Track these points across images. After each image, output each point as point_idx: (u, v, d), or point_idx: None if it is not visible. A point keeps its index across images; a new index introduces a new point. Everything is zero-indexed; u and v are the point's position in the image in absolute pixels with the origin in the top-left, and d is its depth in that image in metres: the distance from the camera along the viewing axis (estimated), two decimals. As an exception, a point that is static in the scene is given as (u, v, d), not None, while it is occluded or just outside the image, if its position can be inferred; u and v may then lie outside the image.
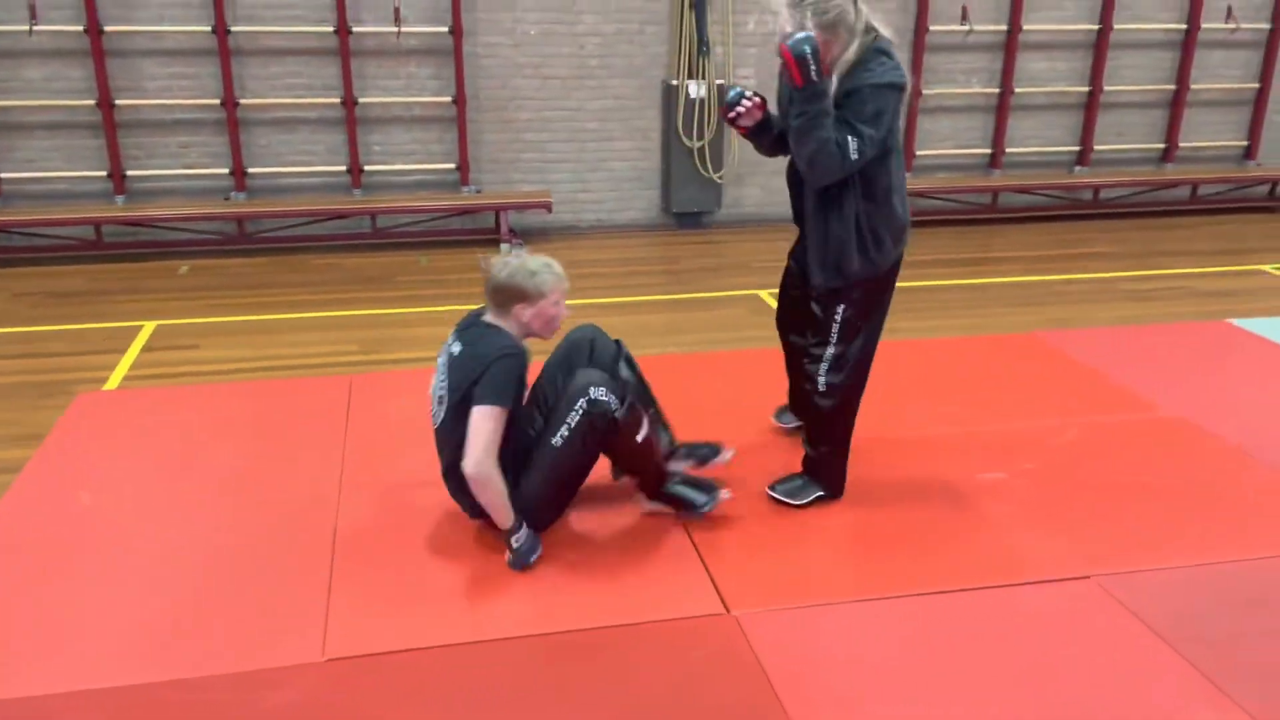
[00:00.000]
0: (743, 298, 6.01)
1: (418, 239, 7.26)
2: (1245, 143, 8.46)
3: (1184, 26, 7.98)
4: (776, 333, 3.64)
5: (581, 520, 3.28)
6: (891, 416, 4.05)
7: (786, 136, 3.09)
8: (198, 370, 4.83)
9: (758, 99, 3.17)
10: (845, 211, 3.04)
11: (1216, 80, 8.23)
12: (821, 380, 3.22)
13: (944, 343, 5.11)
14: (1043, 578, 2.99)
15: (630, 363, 3.32)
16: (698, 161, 7.48)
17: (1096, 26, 7.84)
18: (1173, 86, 8.15)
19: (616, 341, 3.33)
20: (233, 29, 6.70)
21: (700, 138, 7.43)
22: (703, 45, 7.27)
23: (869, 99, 2.89)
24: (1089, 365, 4.64)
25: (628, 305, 5.88)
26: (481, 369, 2.90)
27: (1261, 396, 4.37)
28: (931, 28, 7.58)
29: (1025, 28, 7.71)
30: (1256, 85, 8.27)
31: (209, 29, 6.66)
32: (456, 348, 3.02)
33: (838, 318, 3.15)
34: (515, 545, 2.98)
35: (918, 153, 7.89)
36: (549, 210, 7.23)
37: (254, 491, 3.48)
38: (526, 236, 7.28)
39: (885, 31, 3.00)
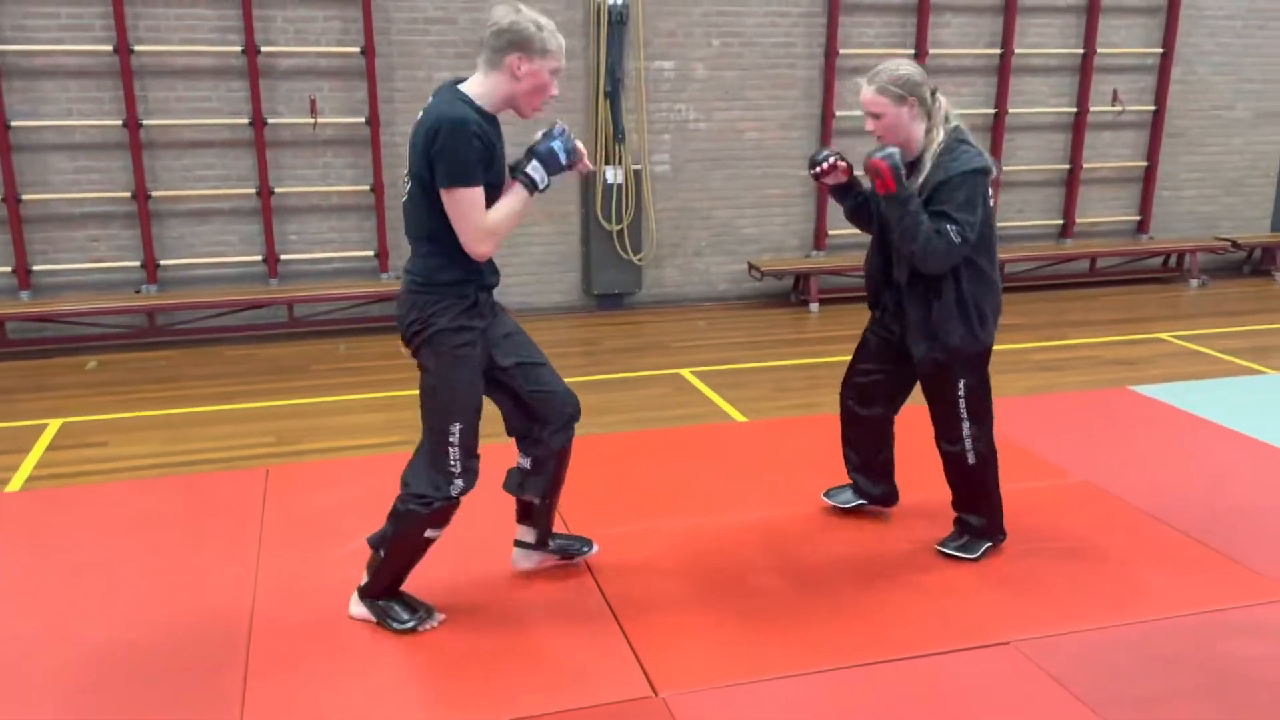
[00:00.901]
0: (666, 377, 6.06)
1: (336, 327, 7.20)
2: (1138, 217, 8.89)
3: (1074, 109, 8.43)
4: (841, 400, 3.80)
5: (497, 599, 3.23)
6: (810, 490, 4.10)
7: (867, 207, 3.45)
8: (107, 468, 4.68)
9: (843, 163, 3.37)
10: (949, 292, 3.25)
11: (1107, 159, 8.68)
12: (971, 455, 3.45)
13: (862, 416, 5.19)
14: (965, 645, 3.03)
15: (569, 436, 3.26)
16: (617, 244, 7.59)
17: (992, 110, 8.24)
18: (1067, 166, 8.56)
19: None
20: (145, 122, 6.66)
21: (619, 221, 7.55)
22: (618, 133, 7.44)
23: (960, 186, 3.13)
24: (1002, 434, 4.73)
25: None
26: (427, 141, 2.75)
27: (1163, 460, 4.53)
28: (837, 113, 7.88)
29: (926, 112, 8.05)
30: (1145, 163, 8.73)
31: (120, 123, 6.61)
32: (421, 113, 2.87)
33: (961, 394, 3.37)
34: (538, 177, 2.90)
35: (830, 232, 8.12)
36: (470, 296, 7.22)
37: (165, 592, 3.35)
38: (448, 322, 7.26)
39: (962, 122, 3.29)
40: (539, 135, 2.96)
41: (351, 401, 5.58)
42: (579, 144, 2.98)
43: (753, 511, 3.94)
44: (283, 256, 7.12)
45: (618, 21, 7.25)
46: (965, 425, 3.42)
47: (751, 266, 7.84)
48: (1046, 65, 8.32)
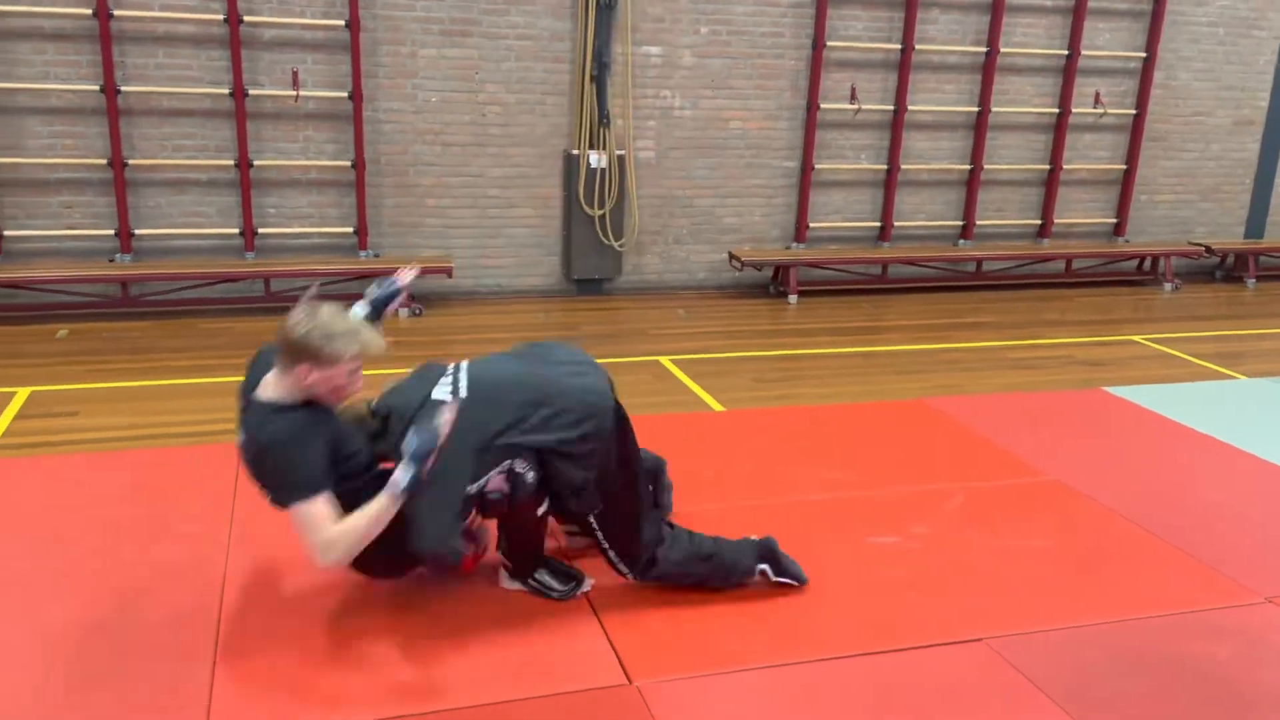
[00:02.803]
0: (644, 364, 6.05)
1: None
2: (1115, 220, 8.97)
3: (1056, 110, 8.48)
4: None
5: (476, 588, 3.22)
6: (784, 482, 4.12)
7: None
8: (76, 439, 4.61)
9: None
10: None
11: (1087, 161, 8.75)
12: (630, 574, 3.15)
13: (835, 409, 5.23)
14: (936, 640, 3.05)
15: None
16: (599, 229, 7.57)
17: (976, 108, 8.27)
18: (1047, 166, 8.61)
19: None
20: (123, 89, 6.56)
21: (601, 206, 7.52)
22: (603, 117, 7.41)
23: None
24: (975, 431, 4.80)
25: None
26: (258, 468, 2.71)
27: (1133, 461, 4.59)
28: (822, 105, 7.88)
29: (910, 108, 8.08)
30: (1124, 166, 8.81)
31: (97, 88, 6.50)
32: (240, 434, 2.78)
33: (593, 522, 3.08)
34: (405, 481, 2.64)
35: (810, 224, 8.14)
36: (450, 275, 7.20)
37: (135, 565, 3.32)
38: (426, 302, 7.23)
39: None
40: (411, 434, 2.68)
41: (327, 379, 5.53)
42: (444, 421, 2.69)
43: (729, 501, 3.95)
44: (260, 230, 7.04)
45: (606, 5, 7.21)
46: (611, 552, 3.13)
47: (732, 256, 7.84)
48: (1031, 65, 8.36)
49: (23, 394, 5.15)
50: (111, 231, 6.78)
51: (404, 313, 6.95)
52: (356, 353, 2.73)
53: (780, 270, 8.00)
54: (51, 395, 5.17)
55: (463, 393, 2.87)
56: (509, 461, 2.83)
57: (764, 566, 3.25)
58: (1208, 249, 8.89)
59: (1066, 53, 8.33)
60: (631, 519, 3.08)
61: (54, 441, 4.57)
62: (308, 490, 2.63)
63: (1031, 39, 8.29)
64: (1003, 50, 8.15)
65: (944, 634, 3.09)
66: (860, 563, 3.51)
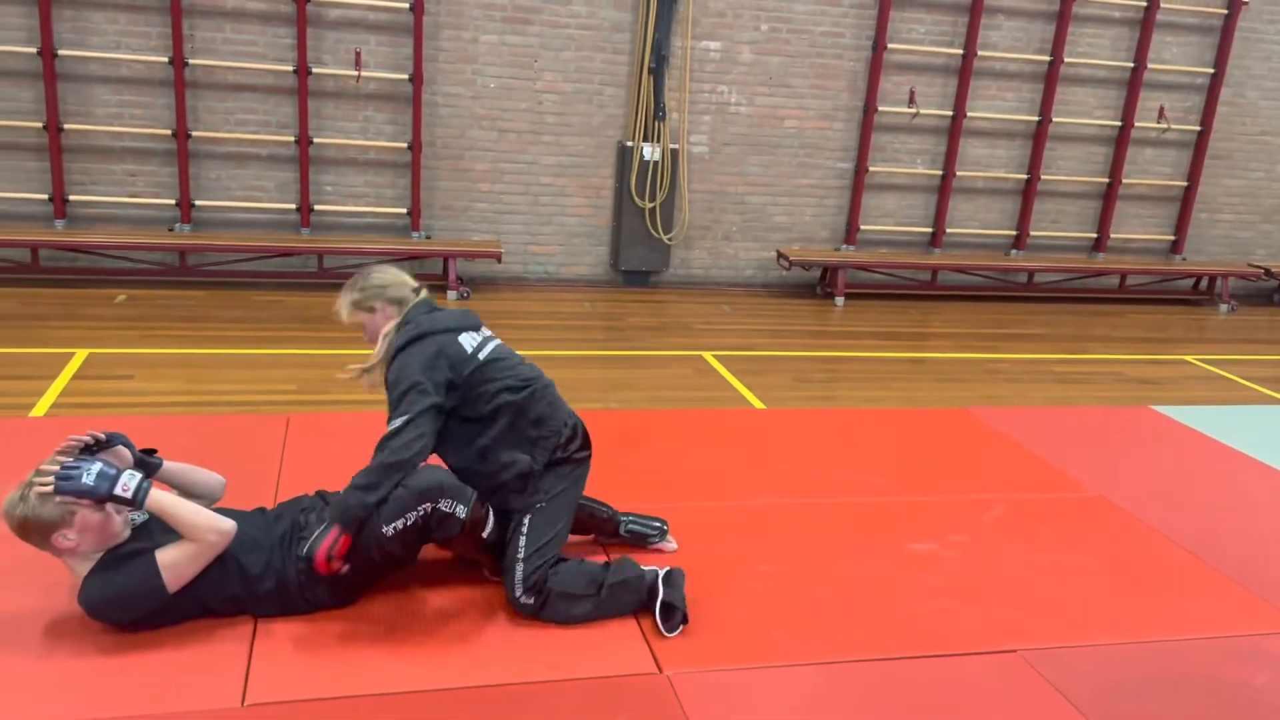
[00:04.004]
0: (687, 358, 6.07)
1: (364, 281, 7.22)
2: (1172, 237, 8.82)
3: (1119, 123, 8.35)
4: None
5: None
6: (823, 483, 4.12)
7: None
8: (130, 402, 4.73)
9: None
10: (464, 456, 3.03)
11: (1147, 176, 8.60)
12: (521, 596, 2.98)
13: (877, 413, 5.21)
14: (970, 649, 3.04)
15: None
16: (649, 222, 7.59)
17: (1036, 118, 8.17)
18: (1106, 179, 8.49)
19: None
20: (190, 61, 6.68)
21: (652, 199, 7.54)
22: (659, 110, 7.42)
23: (397, 383, 2.96)
24: (1019, 443, 4.76)
25: (573, 359, 5.90)
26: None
27: (1179, 482, 4.52)
28: (880, 108, 7.83)
29: (969, 114, 8.00)
30: (1185, 183, 8.65)
31: (166, 60, 6.63)
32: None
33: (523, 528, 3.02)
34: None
35: (862, 227, 8.10)
36: (499, 260, 7.26)
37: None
38: (474, 285, 7.29)
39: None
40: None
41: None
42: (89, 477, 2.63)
43: (765, 498, 3.95)
44: (316, 207, 7.15)
45: (668, -2, 7.22)
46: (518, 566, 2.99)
47: (780, 255, 7.83)
48: (1095, 76, 8.24)
49: (81, 355, 5.28)
50: (173, 201, 6.91)
51: (452, 295, 7.02)
52: (61, 500, 2.63)
53: (828, 271, 7.97)
54: (108, 358, 5.29)
55: None
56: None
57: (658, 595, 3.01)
58: (1267, 271, 8.71)
59: (1132, 65, 8.19)
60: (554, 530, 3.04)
61: (108, 404, 4.68)
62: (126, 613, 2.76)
63: (1096, 49, 8.17)
64: (1066, 60, 8.04)
65: (977, 643, 3.07)
66: (896, 567, 3.50)
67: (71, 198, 6.79)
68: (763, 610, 3.19)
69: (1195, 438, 5.07)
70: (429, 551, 3.16)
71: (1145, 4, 8.05)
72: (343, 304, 3.17)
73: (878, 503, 4.00)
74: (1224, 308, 8.55)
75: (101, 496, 2.62)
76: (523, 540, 3.00)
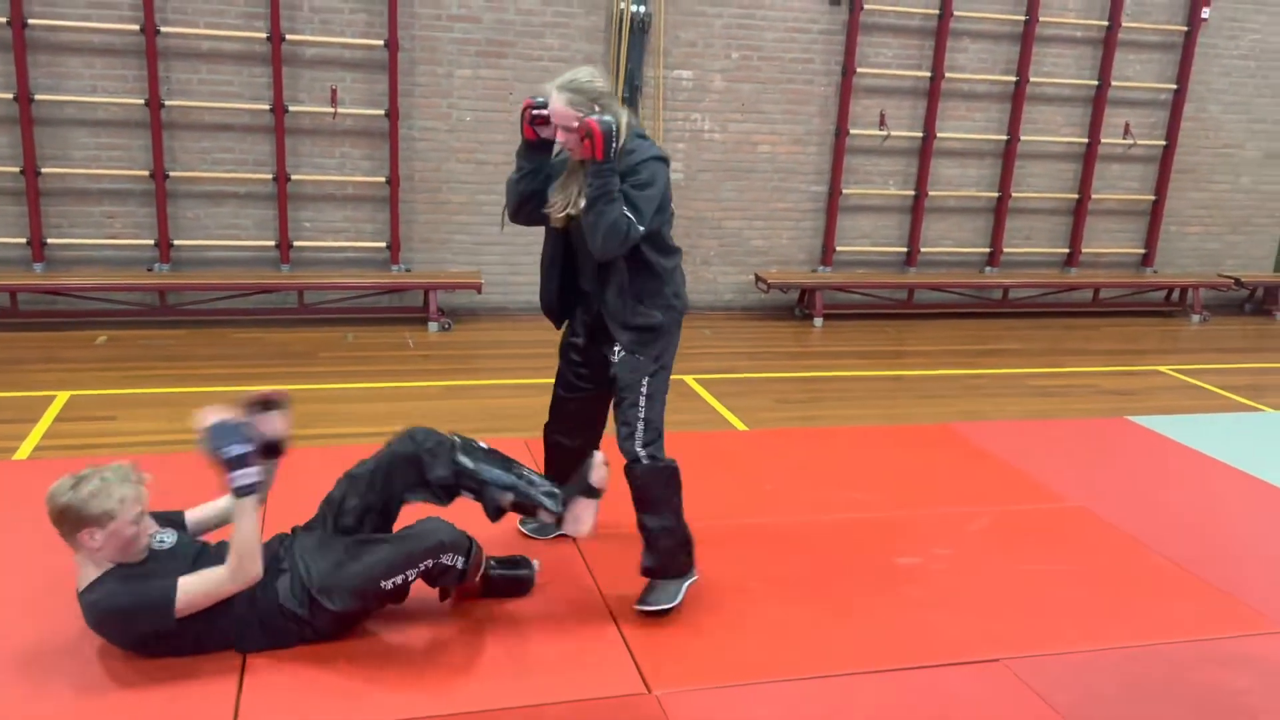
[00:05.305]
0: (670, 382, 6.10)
1: (345, 315, 7.25)
2: (1143, 251, 8.96)
3: (1085, 140, 8.50)
4: (545, 434, 3.60)
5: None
6: (808, 501, 4.16)
7: (542, 180, 3.25)
8: (113, 442, 4.72)
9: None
10: (636, 278, 3.14)
11: (1115, 191, 8.75)
12: (643, 454, 3.19)
13: (859, 431, 5.26)
14: (956, 659, 3.08)
15: (470, 449, 3.15)
16: (626, 249, 7.64)
17: (1005, 137, 8.31)
18: (1076, 195, 8.63)
19: (451, 439, 3.15)
20: (167, 103, 6.72)
21: (629, 226, 7.60)
22: (634, 138, 7.50)
23: (641, 171, 3.04)
24: (999, 456, 4.82)
25: (554, 387, 5.92)
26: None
27: (1157, 490, 4.59)
28: (851, 131, 7.95)
29: (939, 135, 8.13)
30: (1153, 197, 8.80)
31: (142, 102, 6.67)
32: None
33: (643, 391, 3.20)
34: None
35: (838, 248, 8.19)
36: (479, 291, 7.30)
37: (168, 566, 3.39)
38: (456, 316, 7.32)
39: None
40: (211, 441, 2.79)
41: (356, 390, 5.63)
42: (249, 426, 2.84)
43: (751, 518, 3.99)
44: (295, 243, 7.18)
45: (639, 29, 7.33)
46: (640, 425, 3.18)
47: (758, 278, 7.90)
48: (1060, 95, 8.39)
49: (62, 397, 5.27)
50: (151, 241, 6.93)
51: (433, 326, 7.05)
52: (123, 498, 2.71)
53: (806, 293, 8.05)
54: (90, 399, 5.29)
55: None
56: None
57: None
58: (1237, 281, 8.86)
59: (1096, 83, 8.35)
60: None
61: (91, 444, 4.68)
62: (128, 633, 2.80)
63: (1061, 69, 8.33)
64: (1032, 79, 8.19)
65: (963, 653, 3.11)
66: (882, 582, 3.54)
67: (50, 241, 6.79)
68: (750, 628, 3.21)
69: (1171, 446, 5.15)
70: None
71: (1107, 23, 8.23)
72: (559, 98, 3.04)
73: (863, 519, 4.04)
74: (1196, 318, 8.68)
75: (218, 463, 2.75)
76: (643, 401, 3.17)
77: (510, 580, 3.27)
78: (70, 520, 2.68)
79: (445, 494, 3.13)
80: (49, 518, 2.72)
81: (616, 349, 3.21)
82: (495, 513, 3.18)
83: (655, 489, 3.20)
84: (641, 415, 3.18)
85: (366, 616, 3.03)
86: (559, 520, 3.23)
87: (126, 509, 2.70)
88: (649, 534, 3.21)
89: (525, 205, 3.33)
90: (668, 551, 3.21)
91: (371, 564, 2.86)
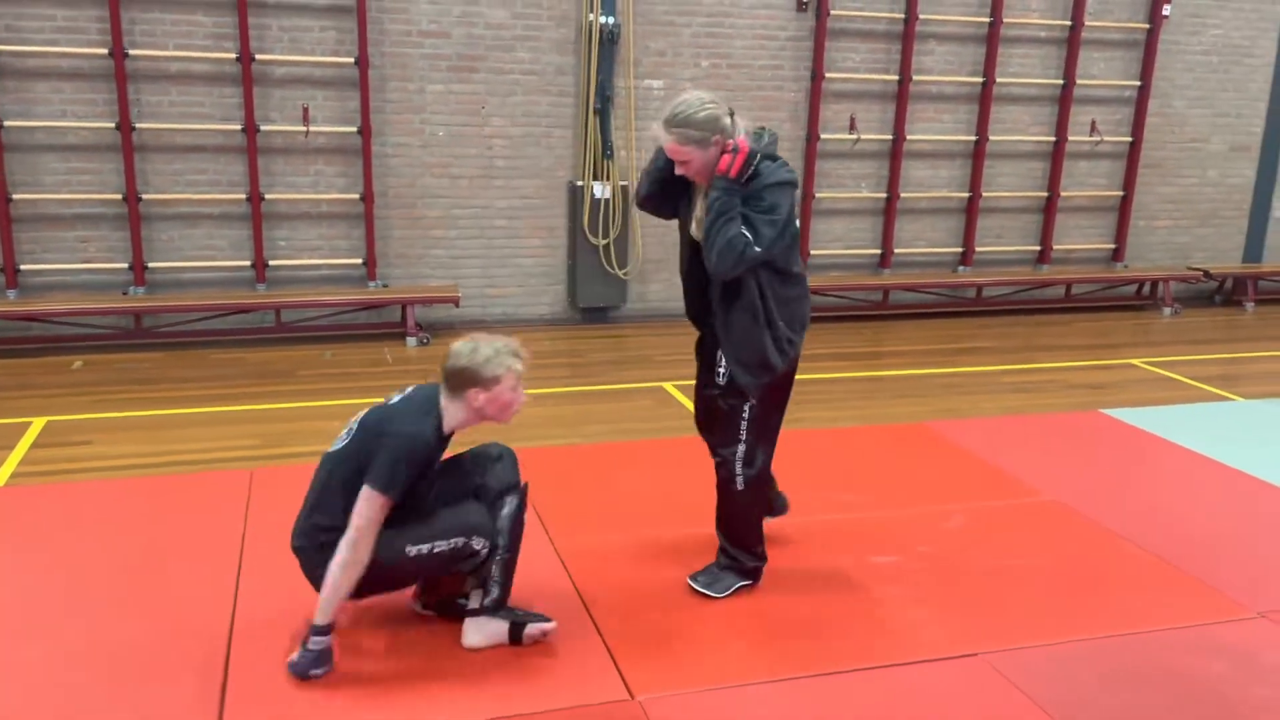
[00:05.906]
0: (648, 390, 6.14)
1: (323, 333, 7.25)
2: (1113, 246, 9.06)
3: (1053, 138, 8.60)
4: (696, 430, 3.69)
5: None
6: (791, 503, 4.17)
7: (657, 199, 3.40)
8: (91, 466, 4.71)
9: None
10: (750, 304, 3.18)
11: (1084, 188, 8.85)
12: (740, 480, 3.33)
13: (838, 432, 5.30)
14: (935, 656, 3.11)
15: (519, 505, 3.11)
16: (604, 258, 7.68)
17: (974, 137, 8.40)
18: (1045, 193, 8.72)
19: (520, 486, 3.15)
20: (138, 125, 6.71)
21: (606, 236, 7.64)
22: (607, 149, 7.54)
23: (765, 196, 3.08)
24: (975, 453, 4.87)
25: (537, 397, 5.92)
26: (377, 445, 2.89)
27: (1131, 481, 4.65)
28: (822, 136, 8.02)
29: (909, 137, 8.21)
30: (1121, 193, 8.91)
31: (113, 125, 6.65)
32: (379, 409, 3.02)
33: (745, 414, 3.29)
34: (312, 646, 2.88)
35: (812, 252, 8.25)
36: (457, 304, 7.31)
37: (147, 591, 3.39)
38: (434, 330, 7.33)
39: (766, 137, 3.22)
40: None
41: (336, 407, 5.62)
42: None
43: (731, 523, 4.01)
44: (271, 262, 7.17)
45: (609, 40, 7.37)
46: (740, 447, 3.31)
47: (734, 284, 7.93)
48: (1027, 95, 8.49)
49: (39, 423, 5.25)
50: (125, 265, 6.91)
51: (411, 341, 7.06)
52: (510, 368, 2.97)
53: (783, 298, 8.07)
54: (66, 425, 5.27)
55: None
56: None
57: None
58: (1206, 273, 8.97)
59: (1062, 82, 8.46)
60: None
61: (69, 469, 4.66)
62: (392, 488, 2.85)
63: (1027, 69, 8.43)
64: (999, 80, 8.28)
65: (943, 649, 3.15)
66: (863, 581, 3.58)
67: (23, 267, 6.76)
68: (732, 630, 3.24)
69: (1145, 438, 5.21)
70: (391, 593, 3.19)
71: (1070, 22, 8.33)
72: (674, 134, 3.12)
73: (842, 519, 4.08)
74: (1167, 311, 8.79)
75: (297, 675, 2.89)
76: (744, 424, 3.27)
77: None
78: (465, 379, 2.93)
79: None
80: (442, 374, 2.97)
81: (722, 368, 3.31)
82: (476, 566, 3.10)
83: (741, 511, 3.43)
84: (742, 438, 3.32)
85: (381, 589, 3.03)
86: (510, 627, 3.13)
87: (512, 374, 2.96)
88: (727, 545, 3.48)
89: (645, 204, 3.49)
90: (743, 548, 3.44)
91: (401, 528, 2.91)
